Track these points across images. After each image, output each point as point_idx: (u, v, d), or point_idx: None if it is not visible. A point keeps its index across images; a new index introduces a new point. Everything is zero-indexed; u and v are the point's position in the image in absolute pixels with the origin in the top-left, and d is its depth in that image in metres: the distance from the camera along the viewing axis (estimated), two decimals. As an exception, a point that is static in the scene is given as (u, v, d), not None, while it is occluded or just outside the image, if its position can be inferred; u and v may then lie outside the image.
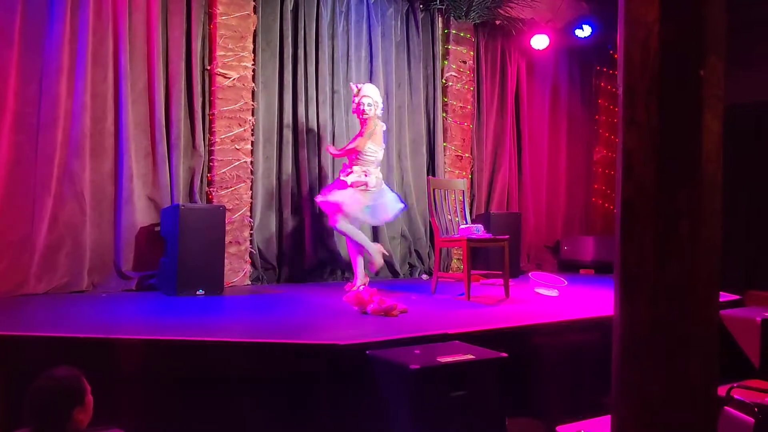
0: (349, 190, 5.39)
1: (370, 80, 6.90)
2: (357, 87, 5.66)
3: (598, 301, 5.24)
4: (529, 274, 5.96)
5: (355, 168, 5.46)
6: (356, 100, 5.61)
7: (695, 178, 1.47)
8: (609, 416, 1.59)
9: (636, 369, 1.50)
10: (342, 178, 5.53)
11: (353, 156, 5.49)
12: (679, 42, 1.47)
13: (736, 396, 3.14)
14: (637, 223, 1.51)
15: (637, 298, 1.51)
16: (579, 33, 8.20)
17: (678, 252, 1.47)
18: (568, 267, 7.96)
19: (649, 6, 1.49)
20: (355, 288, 5.20)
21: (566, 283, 5.69)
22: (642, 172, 1.50)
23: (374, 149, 5.49)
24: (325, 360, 3.21)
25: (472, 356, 3.04)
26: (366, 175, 5.41)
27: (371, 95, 5.57)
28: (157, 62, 5.65)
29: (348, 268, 6.62)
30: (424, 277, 6.97)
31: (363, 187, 5.40)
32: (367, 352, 3.13)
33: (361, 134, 5.52)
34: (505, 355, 3.09)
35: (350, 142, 5.68)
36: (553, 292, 5.46)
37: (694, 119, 1.47)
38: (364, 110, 5.52)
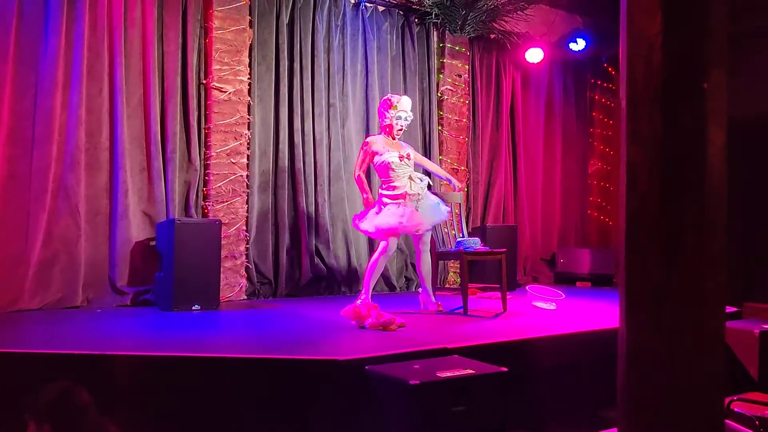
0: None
1: (366, 94, 6.92)
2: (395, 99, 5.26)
3: (596, 314, 5.23)
4: (526, 287, 5.94)
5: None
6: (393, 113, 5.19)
7: (700, 190, 1.47)
8: (615, 429, 1.58)
9: (642, 383, 1.49)
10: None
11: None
12: (682, 55, 1.47)
13: (736, 409, 3.12)
14: (642, 235, 1.51)
15: (642, 311, 1.50)
16: (573, 46, 8.25)
17: (683, 264, 1.46)
18: (565, 280, 7.95)
19: (652, 19, 1.49)
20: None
21: (564, 296, 5.67)
22: (646, 184, 1.49)
23: None
24: (324, 376, 3.18)
25: (472, 371, 3.01)
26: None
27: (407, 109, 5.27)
28: (153, 76, 5.64)
29: (344, 282, 6.61)
30: (421, 290, 6.93)
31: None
32: (367, 367, 3.10)
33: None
34: (505, 369, 3.07)
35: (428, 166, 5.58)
36: (551, 306, 5.44)
37: (698, 132, 1.47)
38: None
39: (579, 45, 8.21)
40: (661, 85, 1.47)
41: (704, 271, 1.47)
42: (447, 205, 5.30)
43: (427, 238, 5.21)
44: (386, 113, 5.21)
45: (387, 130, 5.23)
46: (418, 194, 5.08)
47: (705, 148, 1.47)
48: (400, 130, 5.22)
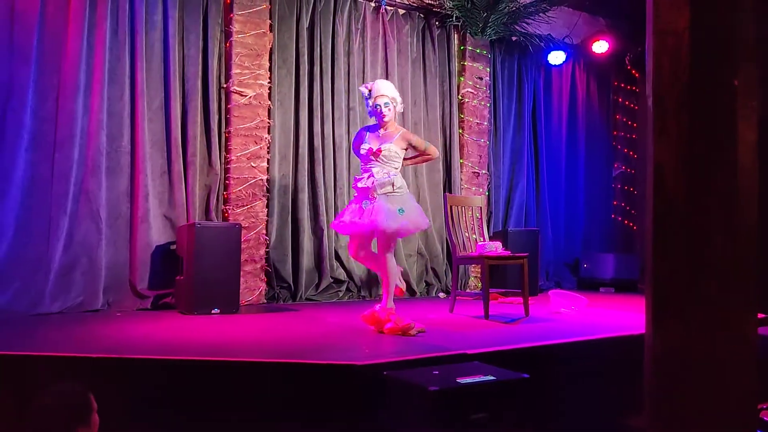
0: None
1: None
2: (368, 87, 4.71)
3: (620, 319, 5.14)
4: (549, 293, 5.86)
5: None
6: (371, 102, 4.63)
7: (729, 191, 1.41)
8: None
9: (670, 390, 1.44)
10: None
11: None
12: (711, 50, 1.42)
13: (765, 417, 3.04)
14: (669, 238, 1.45)
15: (670, 317, 1.45)
16: (596, 48, 8.16)
17: (712, 268, 1.41)
18: (588, 285, 7.84)
19: (679, 14, 1.44)
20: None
21: (587, 301, 5.58)
22: (674, 185, 1.44)
23: None
24: (342, 381, 3.15)
25: (492, 377, 2.95)
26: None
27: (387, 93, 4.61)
28: (174, 80, 5.66)
29: (364, 286, 6.59)
30: (441, 295, 6.89)
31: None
32: (385, 372, 3.05)
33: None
34: (526, 375, 3.01)
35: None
36: (572, 309, 5.38)
37: (728, 130, 1.41)
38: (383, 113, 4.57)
39: (602, 47, 8.12)
40: (689, 82, 1.42)
41: (734, 276, 1.41)
42: (424, 219, 4.67)
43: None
44: (366, 104, 4.70)
45: (377, 120, 4.66)
46: (372, 191, 4.46)
47: (735, 146, 1.41)
48: (384, 116, 4.56)
